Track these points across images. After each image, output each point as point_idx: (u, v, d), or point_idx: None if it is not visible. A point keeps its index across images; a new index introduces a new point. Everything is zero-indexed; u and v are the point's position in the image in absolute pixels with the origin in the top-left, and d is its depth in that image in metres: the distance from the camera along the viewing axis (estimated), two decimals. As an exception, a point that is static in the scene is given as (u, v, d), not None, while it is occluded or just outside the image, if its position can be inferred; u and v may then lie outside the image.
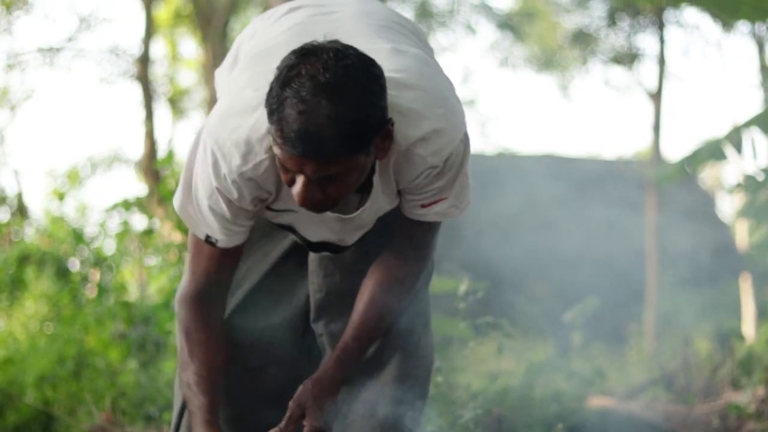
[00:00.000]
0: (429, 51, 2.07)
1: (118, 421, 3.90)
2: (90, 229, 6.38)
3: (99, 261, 6.05)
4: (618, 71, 19.48)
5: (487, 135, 34.76)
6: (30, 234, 7.59)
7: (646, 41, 16.39)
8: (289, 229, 2.06)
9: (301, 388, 1.99)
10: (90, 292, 5.99)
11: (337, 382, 2.01)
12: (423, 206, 1.95)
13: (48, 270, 6.03)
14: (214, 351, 2.02)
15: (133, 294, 6.38)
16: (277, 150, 1.73)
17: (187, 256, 2.05)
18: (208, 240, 1.96)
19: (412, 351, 2.16)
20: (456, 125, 1.87)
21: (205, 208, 1.91)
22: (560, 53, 16.29)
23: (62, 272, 6.06)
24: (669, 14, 13.06)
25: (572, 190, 15.27)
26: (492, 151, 21.28)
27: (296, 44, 1.78)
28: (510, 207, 15.11)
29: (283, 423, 1.97)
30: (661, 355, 7.70)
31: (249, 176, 1.85)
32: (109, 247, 6.17)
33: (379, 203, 1.94)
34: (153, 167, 11.81)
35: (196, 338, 2.02)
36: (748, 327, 12.57)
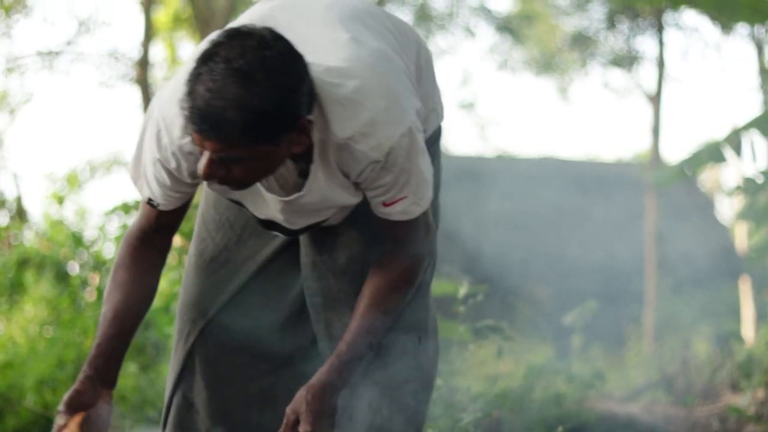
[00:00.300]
0: (409, 49, 2.02)
1: (118, 424, 3.90)
2: (89, 233, 6.38)
3: (98, 264, 6.05)
4: (617, 74, 19.49)
5: (486, 138, 34.83)
6: (29, 238, 7.60)
7: (646, 44, 16.41)
8: (239, 203, 2.08)
9: (297, 394, 1.97)
10: (89, 295, 5.98)
11: (333, 388, 1.97)
12: (385, 205, 1.94)
13: (47, 274, 6.02)
14: (127, 295, 2.02)
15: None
16: (185, 122, 1.77)
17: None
18: (150, 202, 1.99)
19: (413, 355, 2.15)
20: (397, 120, 1.85)
21: (150, 174, 1.95)
22: (559, 56, 16.31)
23: (62, 276, 6.05)
24: (668, 17, 13.09)
25: (571, 192, 15.27)
26: (491, 153, 21.31)
27: None
28: (509, 210, 15.12)
29: (280, 430, 1.96)
30: (661, 358, 7.69)
31: (188, 150, 1.87)
32: (109, 250, 6.17)
33: (323, 193, 1.93)
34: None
35: (119, 277, 2.03)
36: (748, 329, 12.58)
